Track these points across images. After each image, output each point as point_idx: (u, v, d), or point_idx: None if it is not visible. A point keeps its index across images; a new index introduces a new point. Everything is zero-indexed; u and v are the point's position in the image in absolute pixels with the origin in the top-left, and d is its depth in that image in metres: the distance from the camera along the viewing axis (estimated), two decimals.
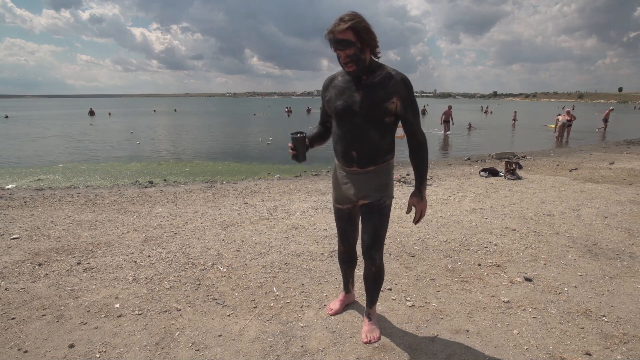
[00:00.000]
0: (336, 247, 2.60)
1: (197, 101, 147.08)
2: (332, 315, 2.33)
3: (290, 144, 1.93)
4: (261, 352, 2.01)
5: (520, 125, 23.94)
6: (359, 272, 2.47)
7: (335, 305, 2.38)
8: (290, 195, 5.75)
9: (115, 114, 37.26)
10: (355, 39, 1.70)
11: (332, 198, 2.13)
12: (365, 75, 1.82)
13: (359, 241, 2.05)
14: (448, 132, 17.40)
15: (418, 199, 1.91)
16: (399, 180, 6.75)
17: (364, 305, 2.26)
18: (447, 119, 17.53)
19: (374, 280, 2.04)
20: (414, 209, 1.97)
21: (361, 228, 1.99)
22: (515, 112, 26.42)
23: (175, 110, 49.07)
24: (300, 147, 1.93)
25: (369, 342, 2.06)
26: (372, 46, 1.76)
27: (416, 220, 1.94)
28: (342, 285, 2.43)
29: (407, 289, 2.68)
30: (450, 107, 17.88)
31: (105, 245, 3.51)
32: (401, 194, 5.59)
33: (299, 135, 1.92)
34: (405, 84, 1.79)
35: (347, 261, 2.26)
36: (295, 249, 3.42)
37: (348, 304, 2.43)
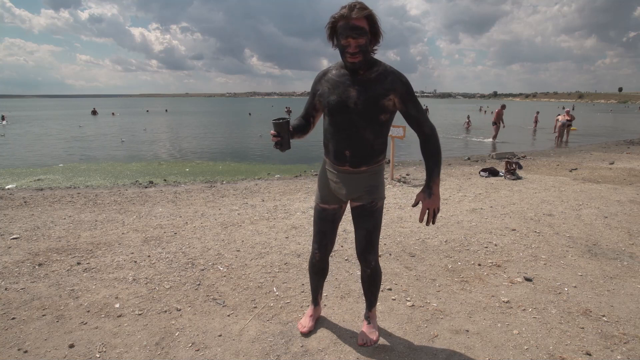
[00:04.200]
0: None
1: (196, 101, 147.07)
2: (305, 333, 2.15)
3: (272, 131, 1.79)
4: (261, 352, 2.01)
5: (524, 127, 22.41)
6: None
7: (306, 322, 2.21)
8: (290, 195, 5.75)
9: (118, 114, 37.27)
10: (368, 29, 1.63)
11: (317, 198, 1.99)
12: (363, 70, 1.73)
13: (353, 246, 1.99)
14: (494, 139, 14.86)
15: (426, 195, 1.76)
16: (399, 180, 6.75)
17: (362, 306, 2.25)
18: (497, 121, 14.69)
19: (371, 283, 2.01)
20: (420, 204, 1.83)
21: (354, 231, 1.96)
22: (538, 112, 23.36)
23: (166, 111, 48.93)
24: (284, 133, 1.79)
25: (364, 345, 2.04)
26: (377, 41, 1.70)
27: (421, 218, 1.76)
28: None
29: (407, 289, 2.68)
30: (503, 107, 14.88)
31: (105, 245, 3.51)
32: (401, 194, 5.58)
33: (281, 120, 1.78)
34: (402, 80, 1.73)
35: (319, 271, 2.11)
36: (295, 249, 3.42)
37: (318, 318, 2.30)
